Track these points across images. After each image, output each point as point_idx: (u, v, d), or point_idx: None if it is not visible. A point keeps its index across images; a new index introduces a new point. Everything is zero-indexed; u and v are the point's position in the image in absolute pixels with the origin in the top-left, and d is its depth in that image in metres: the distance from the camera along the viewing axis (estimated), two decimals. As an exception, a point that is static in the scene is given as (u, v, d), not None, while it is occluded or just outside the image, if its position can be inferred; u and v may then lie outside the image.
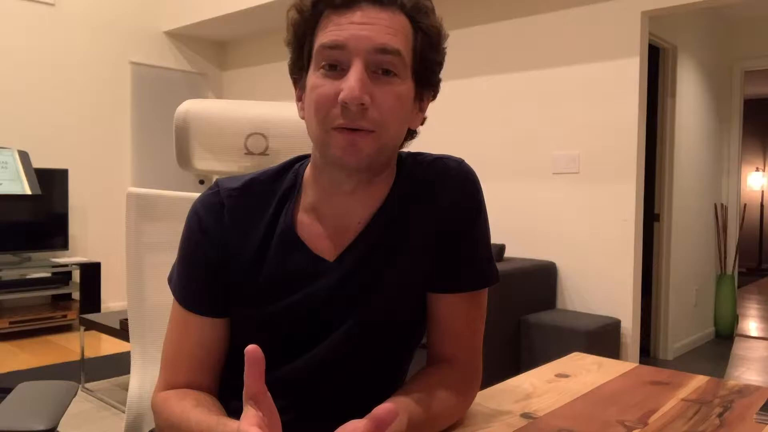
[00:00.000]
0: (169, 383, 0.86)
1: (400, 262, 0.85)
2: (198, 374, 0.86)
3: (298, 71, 0.83)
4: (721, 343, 4.60)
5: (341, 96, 0.74)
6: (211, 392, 0.86)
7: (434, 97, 0.86)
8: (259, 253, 0.84)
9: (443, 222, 0.86)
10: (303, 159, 0.90)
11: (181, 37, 5.57)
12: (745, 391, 1.00)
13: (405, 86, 0.78)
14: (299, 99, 0.84)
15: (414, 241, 0.86)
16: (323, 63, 0.76)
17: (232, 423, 0.69)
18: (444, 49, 0.84)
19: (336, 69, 0.76)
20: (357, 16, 0.75)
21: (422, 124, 0.86)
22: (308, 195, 0.86)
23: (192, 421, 0.75)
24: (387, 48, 0.75)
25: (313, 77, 0.78)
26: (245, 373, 0.60)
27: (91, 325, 3.27)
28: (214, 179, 0.92)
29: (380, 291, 0.84)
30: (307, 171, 0.87)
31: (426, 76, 0.82)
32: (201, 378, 0.86)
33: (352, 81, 0.73)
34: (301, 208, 0.86)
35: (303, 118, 0.83)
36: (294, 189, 0.87)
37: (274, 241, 0.84)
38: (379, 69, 0.76)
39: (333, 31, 0.76)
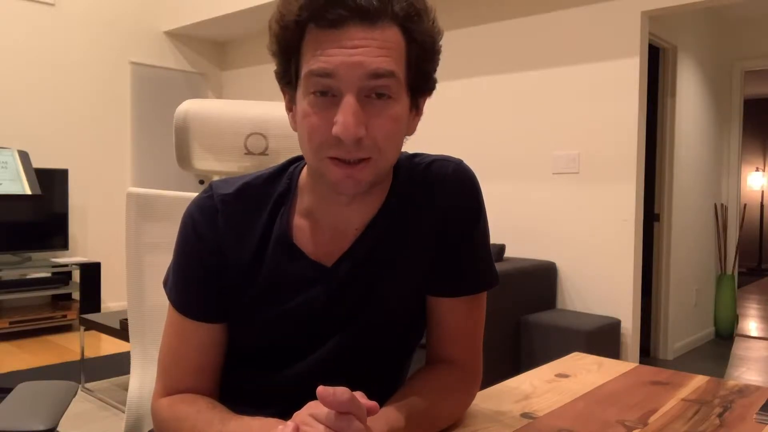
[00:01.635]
0: (168, 389, 0.85)
1: (399, 265, 0.85)
2: (198, 379, 0.85)
3: (286, 84, 0.79)
4: (721, 343, 4.60)
5: (335, 131, 0.70)
6: (212, 396, 0.86)
7: (430, 94, 0.83)
8: (256, 258, 0.83)
9: (442, 224, 0.85)
10: (299, 160, 0.89)
11: (181, 37, 5.56)
12: (745, 391, 1.00)
13: (400, 105, 0.75)
14: (289, 109, 0.81)
15: (413, 244, 0.85)
16: (313, 89, 0.72)
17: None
18: (440, 48, 0.79)
19: (327, 95, 0.72)
20: (345, 39, 0.70)
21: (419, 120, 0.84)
22: (304, 199, 0.84)
23: (216, 425, 0.75)
24: (380, 72, 0.71)
25: (304, 102, 0.74)
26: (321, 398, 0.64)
27: (91, 325, 3.27)
28: (213, 179, 0.91)
29: (379, 294, 0.84)
30: (303, 175, 0.85)
31: (422, 84, 0.79)
32: (201, 382, 0.85)
33: (346, 116, 0.70)
34: (297, 213, 0.84)
35: (295, 130, 0.79)
36: (289, 193, 0.85)
37: (270, 246, 0.83)
38: (372, 93, 0.72)
39: (321, 57, 0.71)
